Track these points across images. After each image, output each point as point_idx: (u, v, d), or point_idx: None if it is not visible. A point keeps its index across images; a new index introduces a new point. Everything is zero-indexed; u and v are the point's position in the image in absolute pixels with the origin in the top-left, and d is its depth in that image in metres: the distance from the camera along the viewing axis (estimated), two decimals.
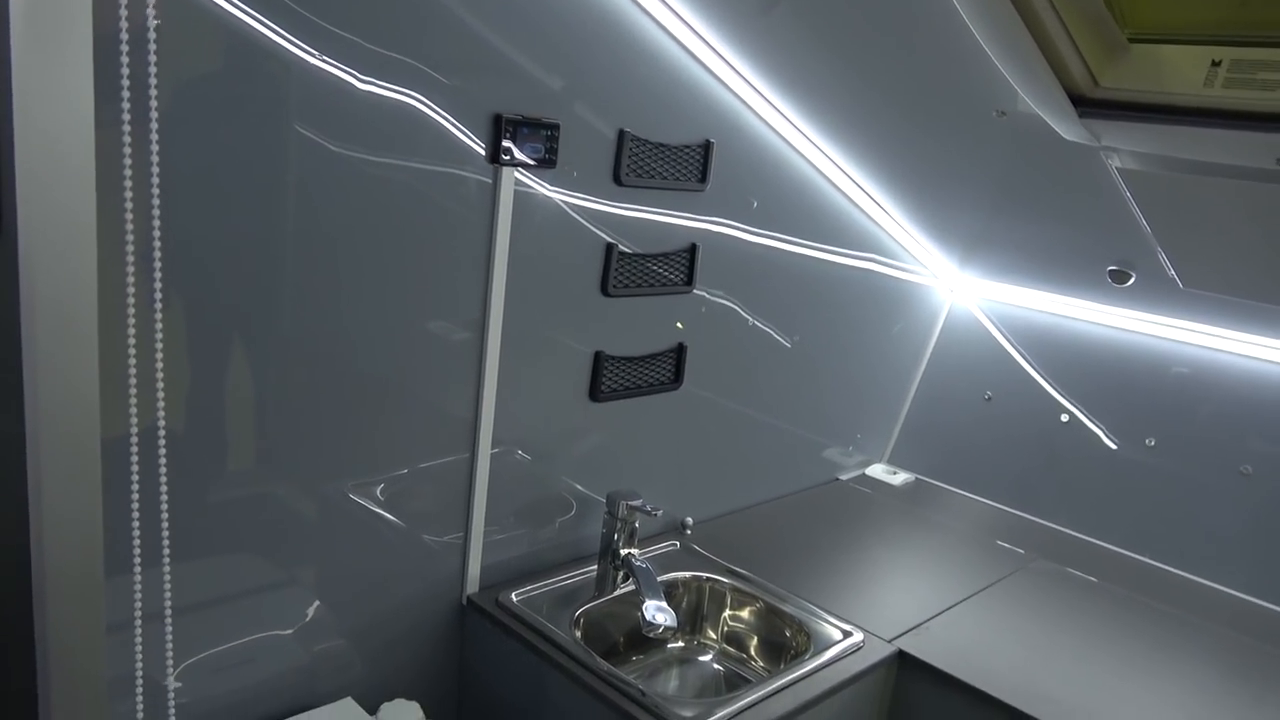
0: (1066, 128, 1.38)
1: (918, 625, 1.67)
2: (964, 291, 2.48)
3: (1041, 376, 2.33)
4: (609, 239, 1.63)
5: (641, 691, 1.36)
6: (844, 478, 2.39)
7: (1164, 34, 1.26)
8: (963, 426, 2.46)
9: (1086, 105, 1.29)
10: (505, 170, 1.44)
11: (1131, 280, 2.01)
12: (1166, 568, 2.06)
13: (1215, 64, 1.16)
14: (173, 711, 1.27)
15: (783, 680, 1.44)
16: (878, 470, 2.44)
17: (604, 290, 1.66)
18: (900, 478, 2.40)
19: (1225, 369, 2.07)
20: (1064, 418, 2.27)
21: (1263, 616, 1.89)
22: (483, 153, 1.41)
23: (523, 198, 1.48)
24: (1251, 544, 1.99)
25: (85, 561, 0.73)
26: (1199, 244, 1.71)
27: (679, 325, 1.83)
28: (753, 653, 1.72)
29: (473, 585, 1.60)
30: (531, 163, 1.46)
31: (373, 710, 1.42)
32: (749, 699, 1.38)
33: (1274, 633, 1.81)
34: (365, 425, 1.40)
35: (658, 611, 1.47)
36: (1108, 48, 1.25)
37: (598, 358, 1.69)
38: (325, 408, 1.34)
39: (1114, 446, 2.19)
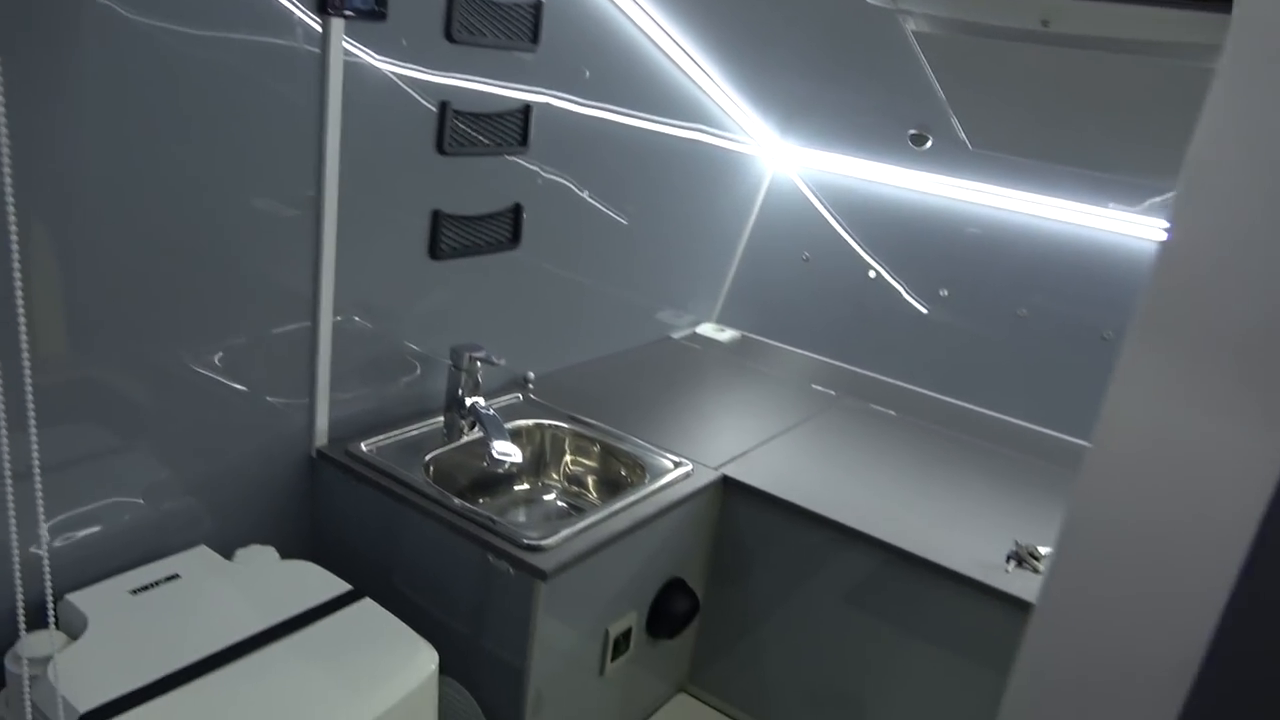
0: None
1: (740, 455, 1.85)
2: (785, 160, 2.63)
3: (852, 238, 2.54)
4: (441, 97, 1.65)
5: (492, 519, 1.47)
6: (676, 336, 2.55)
7: None
8: (784, 286, 2.65)
9: None
10: (335, 38, 1.43)
11: (929, 143, 2.21)
12: (957, 402, 2.34)
13: None
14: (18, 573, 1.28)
15: (620, 504, 1.58)
16: (707, 329, 2.61)
17: (439, 148, 1.68)
18: (727, 335, 2.58)
19: (1011, 227, 2.32)
20: (871, 274, 2.49)
21: (1033, 437, 2.20)
22: (309, 5, 1.39)
23: (353, 68, 1.48)
24: (1026, 377, 2.30)
25: None
26: (985, 106, 1.90)
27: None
28: (593, 489, 1.86)
29: (321, 438, 1.65)
30: (362, 6, 1.45)
31: (228, 556, 1.47)
32: (591, 519, 1.52)
33: (1041, 449, 2.12)
34: (200, 300, 1.40)
35: (505, 447, 1.57)
36: None
37: (436, 216, 1.72)
38: (154, 284, 1.33)
39: (912, 298, 2.44)
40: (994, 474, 1.94)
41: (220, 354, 1.46)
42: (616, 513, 1.56)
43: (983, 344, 2.34)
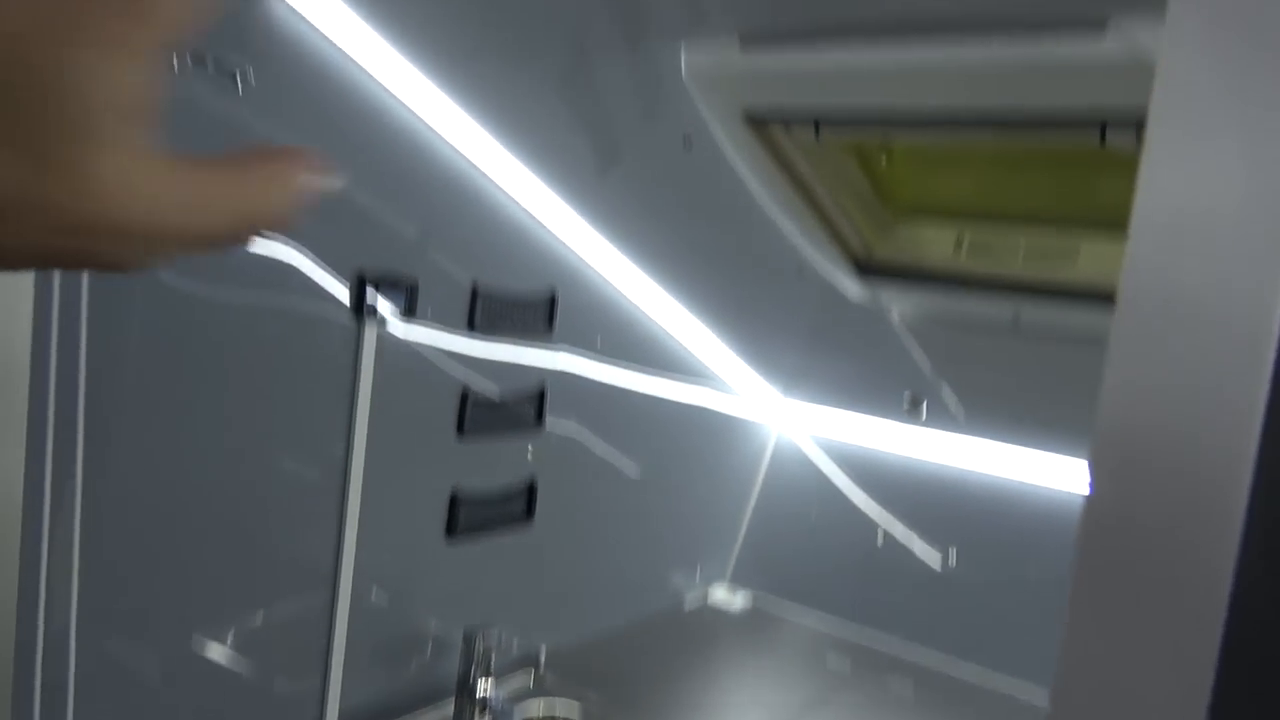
0: (850, 288, 1.65)
1: None
2: (790, 421, 2.73)
3: (859, 499, 2.58)
4: (463, 380, 1.77)
5: None
6: (689, 601, 2.53)
7: (920, 211, 1.56)
8: (795, 546, 2.66)
9: (865, 270, 1.56)
10: (368, 331, 1.56)
11: (924, 411, 2.31)
12: (976, 672, 2.28)
13: (958, 241, 1.45)
14: None
15: None
16: (719, 594, 2.59)
17: (460, 431, 1.77)
18: (739, 601, 2.56)
19: (1008, 491, 2.37)
20: (879, 541, 2.52)
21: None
22: (347, 304, 1.53)
23: (385, 340, 1.61)
24: (1041, 640, 2.25)
25: None
26: (975, 387, 2.02)
27: (529, 449, 1.95)
28: None
29: None
30: (392, 318, 1.59)
31: None
32: None
33: None
34: (221, 572, 1.43)
35: None
36: (878, 224, 1.53)
37: (454, 497, 1.79)
38: (177, 554, 1.37)
39: (922, 558, 2.44)
40: None
41: (234, 631, 1.46)
42: None
43: (995, 609, 2.31)
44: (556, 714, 1.83)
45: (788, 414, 2.73)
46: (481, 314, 1.76)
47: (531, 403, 1.93)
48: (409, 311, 1.62)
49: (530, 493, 1.96)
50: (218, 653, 1.44)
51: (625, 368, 2.16)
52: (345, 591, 1.60)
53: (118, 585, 1.31)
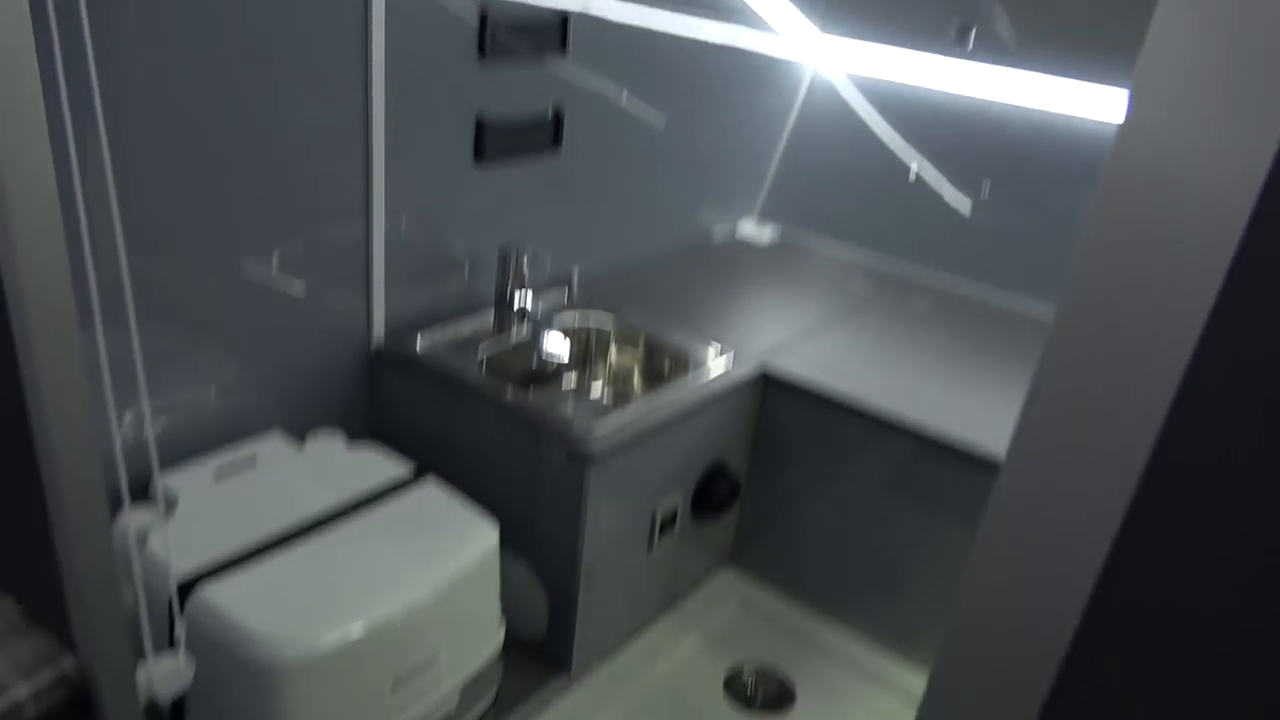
0: None
1: (780, 348, 1.92)
2: (825, 59, 2.61)
3: (892, 135, 2.53)
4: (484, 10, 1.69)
5: (543, 411, 1.56)
6: (717, 234, 2.59)
7: None
8: (824, 185, 2.66)
9: None
10: None
11: (972, 37, 2.18)
12: (997, 294, 2.37)
13: None
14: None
15: (664, 393, 1.67)
16: (748, 226, 2.64)
17: (481, 56, 1.72)
18: (768, 232, 2.61)
19: (1055, 124, 2.30)
20: (911, 176, 2.50)
21: None
22: None
23: None
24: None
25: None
26: (1025, 9, 1.88)
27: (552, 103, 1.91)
28: (637, 383, 1.95)
29: (379, 337, 1.75)
30: None
31: (299, 441, 1.59)
32: (636, 409, 1.61)
33: None
34: (258, 207, 1.48)
35: (552, 345, 1.66)
36: None
37: (479, 123, 1.78)
38: (213, 192, 1.41)
39: (953, 196, 2.44)
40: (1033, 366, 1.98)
41: (279, 257, 1.55)
42: (661, 403, 1.65)
43: (1024, 239, 2.35)
44: (591, 324, 1.95)
45: (824, 51, 2.59)
46: None
47: (555, 30, 1.85)
48: None
49: (557, 122, 1.94)
50: (266, 277, 1.53)
51: (654, 6, 2.04)
52: (379, 215, 1.65)
53: (160, 226, 1.36)
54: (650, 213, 2.34)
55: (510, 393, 1.61)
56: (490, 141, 1.81)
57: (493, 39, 1.72)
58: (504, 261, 1.81)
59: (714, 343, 1.88)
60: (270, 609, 1.20)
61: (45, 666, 0.93)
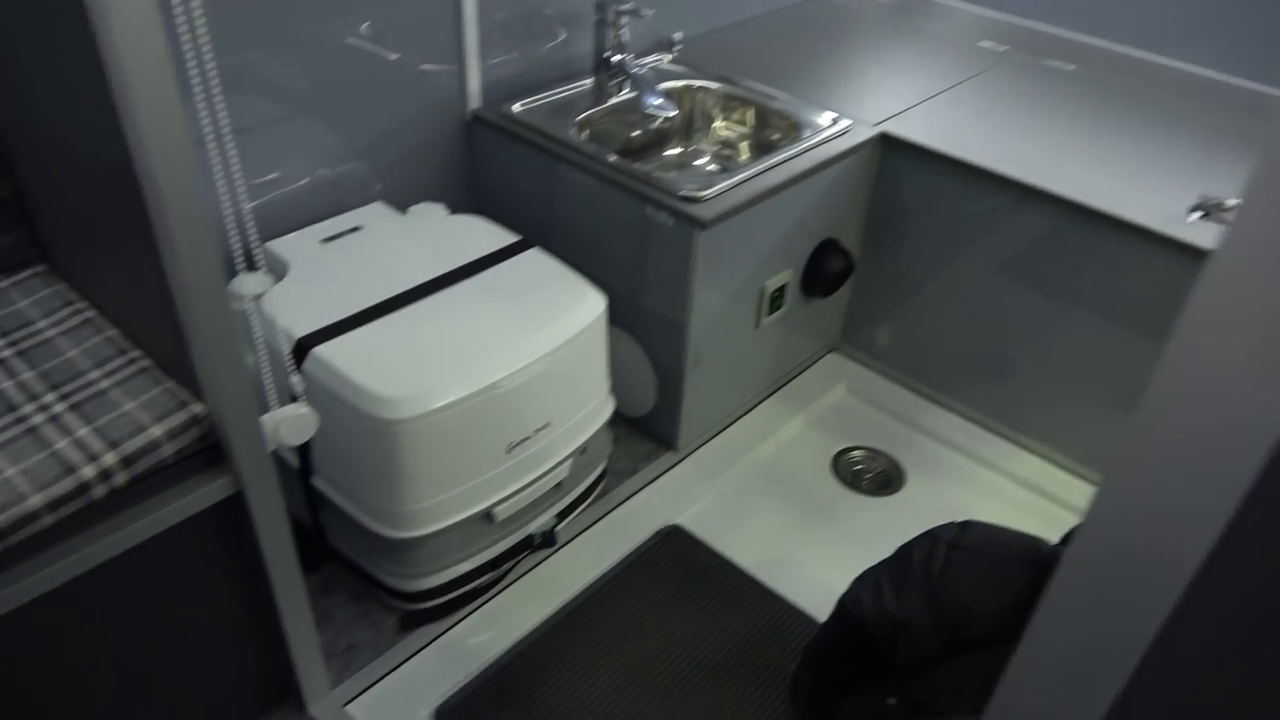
0: None
1: (901, 112, 1.76)
2: None
3: None
4: None
5: (649, 173, 1.47)
6: None
7: None
8: None
9: None
10: None
11: None
12: (1140, 53, 2.11)
13: None
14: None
15: (776, 158, 1.55)
16: None
17: None
18: None
19: None
20: None
21: (1225, 90, 1.98)
22: None
23: None
24: (1220, 24, 2.03)
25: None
26: None
27: None
28: (746, 152, 1.83)
29: (474, 101, 1.66)
30: None
31: (402, 212, 1.54)
32: (747, 173, 1.50)
33: (1232, 102, 1.92)
34: None
35: (657, 101, 1.54)
36: None
37: None
38: None
39: None
40: (1180, 128, 1.78)
41: (368, 23, 1.44)
42: (772, 167, 1.53)
43: None
44: (695, 88, 1.82)
45: None
46: None
47: None
48: None
49: None
50: (355, 46, 1.42)
51: None
52: None
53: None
54: None
55: (613, 157, 1.52)
56: None
57: None
58: (602, 16, 1.66)
59: (827, 110, 1.73)
60: (384, 367, 1.19)
61: (178, 411, 0.94)
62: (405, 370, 1.19)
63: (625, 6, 1.64)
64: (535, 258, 1.42)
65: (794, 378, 1.90)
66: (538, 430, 1.32)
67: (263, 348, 1.16)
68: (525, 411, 1.29)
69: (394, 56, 1.50)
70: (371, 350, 1.22)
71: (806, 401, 1.84)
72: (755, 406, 1.82)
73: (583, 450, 1.42)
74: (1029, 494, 1.69)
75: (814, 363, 1.94)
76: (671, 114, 1.58)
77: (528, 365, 1.25)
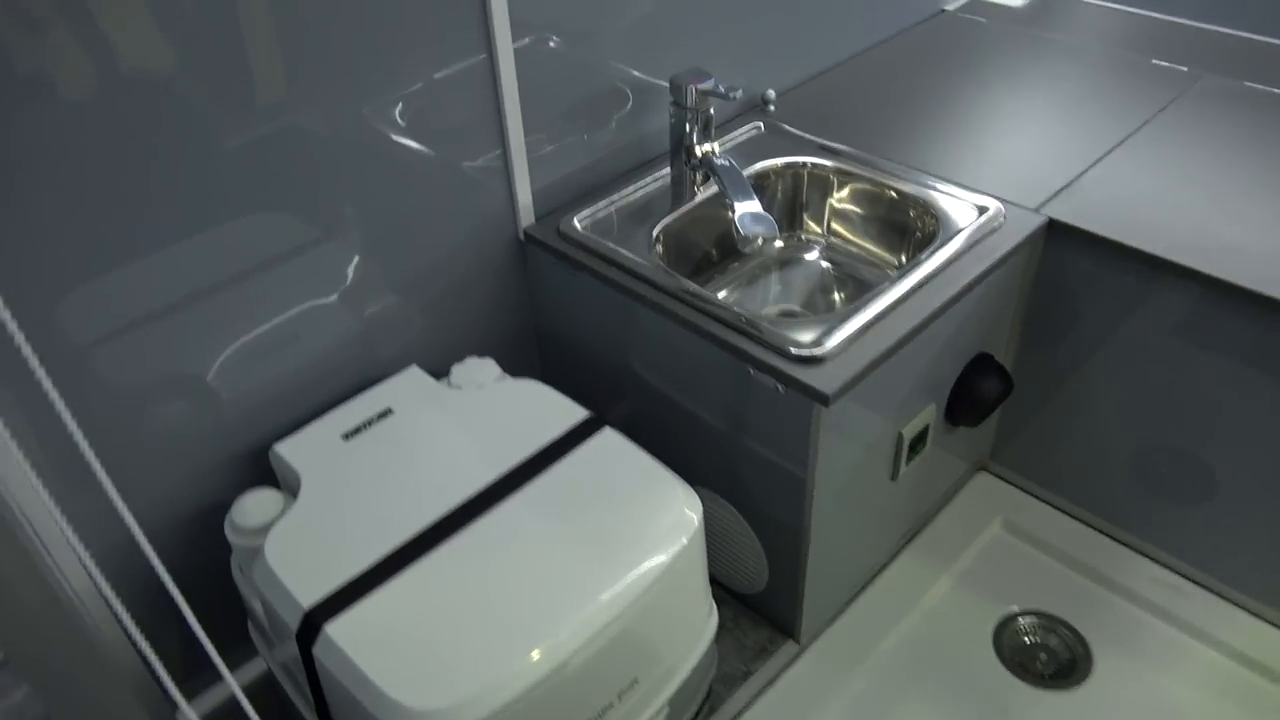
0: None
1: (1069, 184, 1.36)
2: None
3: None
4: None
5: (751, 322, 1.13)
6: (950, 7, 1.94)
7: None
8: None
9: None
10: None
11: None
12: None
13: None
14: (217, 413, 1.11)
15: (913, 280, 1.19)
16: None
17: None
18: None
19: None
20: None
21: None
22: None
23: None
24: None
25: None
26: None
27: None
28: (866, 243, 1.46)
29: (527, 215, 1.34)
30: None
31: (442, 374, 1.25)
32: (877, 308, 1.14)
33: None
34: (354, 32, 1.04)
35: (753, 220, 1.19)
36: None
37: None
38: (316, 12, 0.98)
39: None
40: None
41: (397, 107, 1.13)
42: (910, 293, 1.17)
43: None
44: (798, 165, 1.46)
45: None
46: None
47: None
48: None
49: None
50: (388, 126, 1.12)
51: None
52: (504, 41, 1.18)
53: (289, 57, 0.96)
54: None
55: (695, 283, 1.18)
56: None
57: None
58: (678, 99, 1.31)
59: (972, 186, 1.35)
60: (415, 654, 0.90)
61: None
62: (442, 657, 0.90)
63: (706, 85, 1.29)
64: (608, 443, 1.11)
65: (936, 513, 1.54)
66: (621, 694, 1.01)
67: (261, 611, 0.88)
68: (604, 680, 0.98)
69: (427, 151, 1.19)
70: (400, 624, 0.93)
71: (955, 550, 1.48)
72: (890, 562, 1.47)
73: (680, 688, 1.11)
74: (1253, 675, 1.31)
75: (959, 490, 1.58)
76: (772, 238, 1.23)
77: (606, 626, 0.94)
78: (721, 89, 1.28)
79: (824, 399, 1.05)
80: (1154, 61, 1.69)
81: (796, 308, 1.42)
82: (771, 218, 1.20)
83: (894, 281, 1.18)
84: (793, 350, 1.09)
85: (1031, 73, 1.67)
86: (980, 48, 1.78)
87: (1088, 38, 1.79)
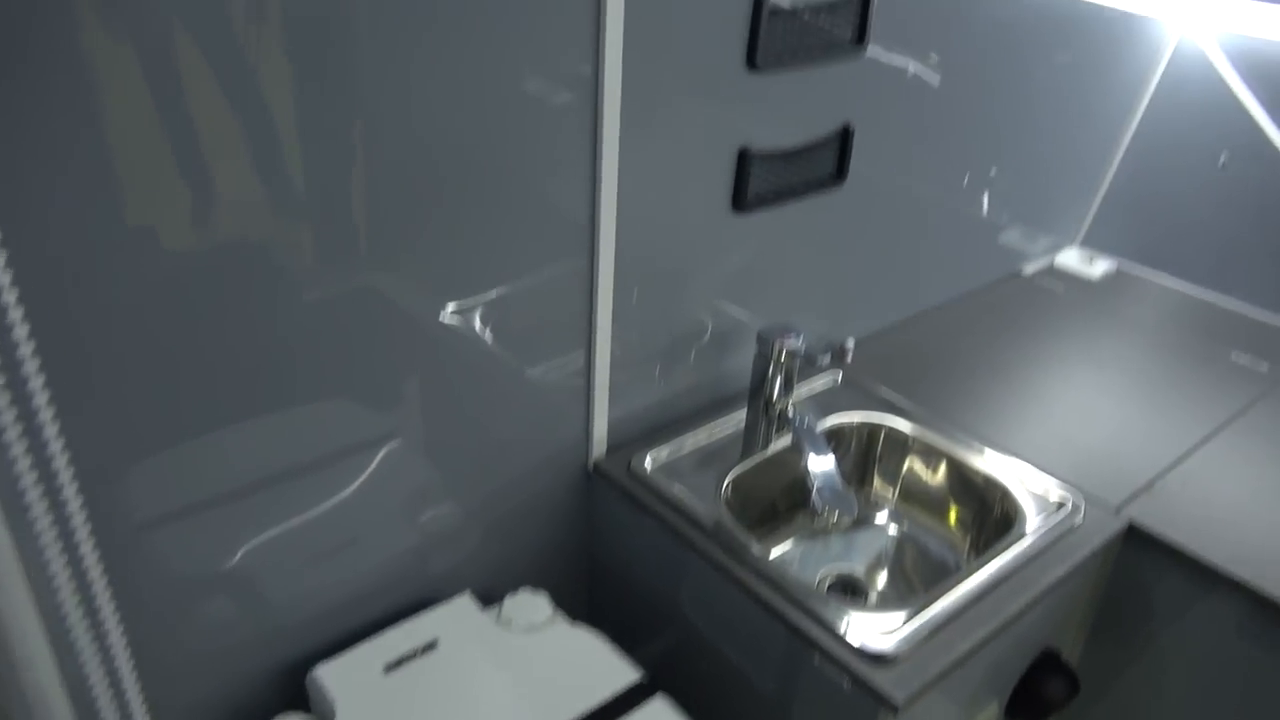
0: None
1: (1147, 485, 1.34)
2: (1196, 18, 1.89)
3: None
4: None
5: (816, 611, 1.09)
6: (1029, 271, 1.98)
7: None
8: (1183, 199, 1.97)
9: None
10: None
11: None
12: None
13: None
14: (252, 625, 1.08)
15: (989, 571, 1.15)
16: (1070, 258, 2.01)
17: (750, 63, 1.22)
18: (1100, 267, 1.97)
19: None
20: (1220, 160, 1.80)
21: None
22: None
23: None
24: None
25: None
26: None
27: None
28: (936, 516, 1.43)
29: (599, 446, 1.34)
30: None
31: (493, 603, 1.21)
32: (950, 601, 1.10)
33: None
34: (457, 227, 1.06)
35: (833, 495, 1.17)
36: None
37: (743, 157, 1.29)
38: (407, 203, 1.01)
39: None
40: None
41: (480, 310, 1.13)
42: (985, 592, 1.13)
43: None
44: (873, 424, 1.45)
45: (1196, 10, 1.87)
46: None
47: (850, 9, 1.31)
48: None
49: (844, 145, 1.41)
50: (472, 328, 1.13)
51: None
52: (607, 257, 1.20)
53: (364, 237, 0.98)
54: (946, 245, 1.77)
55: (759, 533, 1.15)
56: (756, 180, 1.32)
57: (768, 36, 1.22)
58: (764, 349, 1.32)
59: (1051, 476, 1.33)
60: None
61: None
62: None
63: (794, 344, 1.30)
64: (660, 716, 1.05)
65: None
66: None
67: None
68: None
69: (508, 358, 1.19)
70: None
71: None
72: None
73: None
74: None
75: None
76: (851, 516, 1.21)
77: None
78: (809, 350, 1.30)
79: (893, 707, 1.00)
80: (1233, 357, 1.69)
81: (859, 572, 1.37)
82: (851, 496, 1.19)
83: (968, 573, 1.15)
84: (860, 645, 1.04)
85: (1109, 350, 1.68)
86: (1057, 316, 1.80)
87: (1163, 319, 1.81)
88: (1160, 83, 1.97)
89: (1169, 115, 1.97)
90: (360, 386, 1.05)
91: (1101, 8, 1.74)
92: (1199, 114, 1.93)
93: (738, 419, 1.42)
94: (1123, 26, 1.82)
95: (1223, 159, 1.90)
